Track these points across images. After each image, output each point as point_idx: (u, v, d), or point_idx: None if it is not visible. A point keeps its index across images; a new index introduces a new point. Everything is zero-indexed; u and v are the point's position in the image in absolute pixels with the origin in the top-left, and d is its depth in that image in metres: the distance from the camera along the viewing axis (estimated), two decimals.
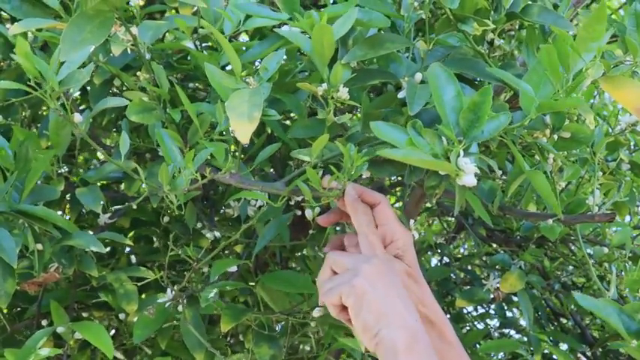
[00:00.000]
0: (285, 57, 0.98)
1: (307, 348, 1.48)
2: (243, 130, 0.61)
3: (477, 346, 1.65)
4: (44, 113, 1.40)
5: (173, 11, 1.58)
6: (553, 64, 0.65)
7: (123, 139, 0.69)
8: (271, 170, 1.30)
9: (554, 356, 1.74)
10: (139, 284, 1.11)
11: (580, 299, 0.94)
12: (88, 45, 0.62)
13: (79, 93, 1.37)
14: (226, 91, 0.66)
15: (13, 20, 1.46)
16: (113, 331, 1.44)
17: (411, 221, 0.80)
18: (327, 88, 0.72)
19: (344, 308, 0.73)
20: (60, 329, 1.02)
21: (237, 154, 0.73)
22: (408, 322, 0.69)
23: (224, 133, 0.72)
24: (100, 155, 1.55)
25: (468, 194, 0.86)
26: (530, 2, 0.83)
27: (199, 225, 1.24)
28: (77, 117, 0.71)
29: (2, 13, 1.37)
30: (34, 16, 0.89)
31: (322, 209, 0.86)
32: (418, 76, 0.76)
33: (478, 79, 0.83)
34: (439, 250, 1.83)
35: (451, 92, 0.68)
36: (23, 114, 1.37)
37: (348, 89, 0.73)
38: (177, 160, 0.70)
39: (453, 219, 2.01)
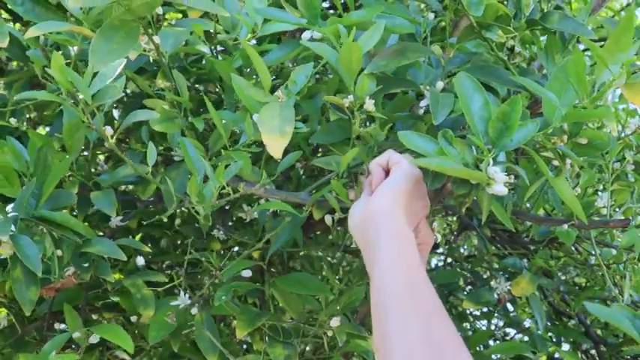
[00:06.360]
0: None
1: (308, 348, 1.48)
2: (276, 145, 0.61)
3: (481, 347, 1.65)
4: (50, 114, 1.39)
5: (179, 15, 1.58)
6: (579, 74, 0.65)
7: (150, 148, 0.69)
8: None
9: (557, 355, 1.75)
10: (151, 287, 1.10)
11: (590, 308, 0.93)
12: (117, 56, 0.62)
13: None
14: (255, 104, 0.66)
15: (16, 21, 1.46)
16: None
17: (435, 223, 0.80)
18: (352, 100, 0.71)
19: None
20: (76, 335, 1.01)
21: (261, 166, 0.72)
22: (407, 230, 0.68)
23: (252, 145, 0.72)
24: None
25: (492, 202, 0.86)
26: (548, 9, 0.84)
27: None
28: (109, 130, 0.70)
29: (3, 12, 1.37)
30: (47, 19, 0.89)
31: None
32: (439, 85, 0.76)
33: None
34: (447, 246, 1.83)
35: (479, 101, 0.68)
36: (29, 116, 1.36)
37: (373, 101, 0.72)
38: (203, 171, 0.69)
39: (455, 219, 2.01)
